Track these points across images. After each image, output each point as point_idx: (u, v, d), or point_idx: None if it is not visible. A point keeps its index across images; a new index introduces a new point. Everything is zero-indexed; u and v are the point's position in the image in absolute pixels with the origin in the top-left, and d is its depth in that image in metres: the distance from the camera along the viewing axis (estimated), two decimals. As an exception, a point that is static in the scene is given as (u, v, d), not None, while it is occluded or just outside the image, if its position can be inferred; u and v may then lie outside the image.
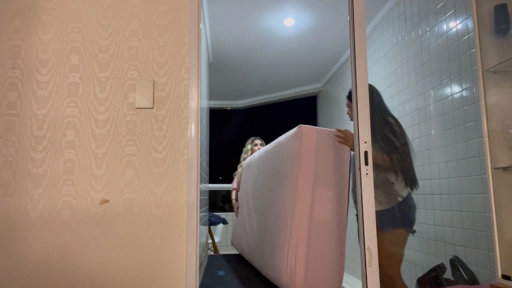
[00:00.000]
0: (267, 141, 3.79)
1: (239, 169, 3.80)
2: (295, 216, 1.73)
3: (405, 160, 2.03)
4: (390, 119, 2.07)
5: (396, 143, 1.99)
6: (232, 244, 3.33)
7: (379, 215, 1.90)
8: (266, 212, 2.18)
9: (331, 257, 1.76)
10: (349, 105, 2.27)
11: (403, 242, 1.97)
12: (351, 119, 2.27)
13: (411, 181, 2.01)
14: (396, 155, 1.99)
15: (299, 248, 1.71)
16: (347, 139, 1.90)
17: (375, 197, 1.85)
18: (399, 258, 1.96)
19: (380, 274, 1.61)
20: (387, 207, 1.95)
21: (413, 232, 1.98)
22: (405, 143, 2.03)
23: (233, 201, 3.73)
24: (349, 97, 2.28)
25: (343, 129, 2.08)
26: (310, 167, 1.79)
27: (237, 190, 3.76)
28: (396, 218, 1.95)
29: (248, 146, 3.84)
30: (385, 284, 1.83)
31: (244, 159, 3.77)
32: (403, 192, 1.97)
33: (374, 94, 2.20)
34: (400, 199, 1.96)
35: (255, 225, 2.40)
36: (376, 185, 1.90)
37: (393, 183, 1.97)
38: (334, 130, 1.97)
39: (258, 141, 3.79)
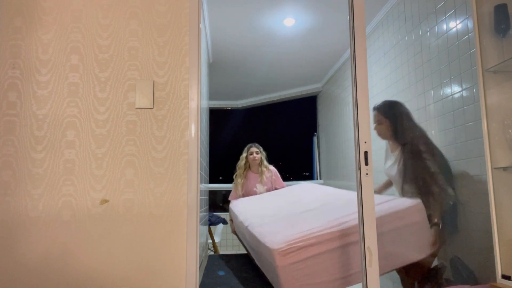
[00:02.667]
0: (267, 141, 3.78)
1: (237, 179, 3.74)
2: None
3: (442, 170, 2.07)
4: (422, 147, 2.07)
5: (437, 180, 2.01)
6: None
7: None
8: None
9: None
10: (382, 121, 2.21)
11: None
12: (382, 138, 2.25)
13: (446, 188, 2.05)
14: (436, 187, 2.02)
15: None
16: None
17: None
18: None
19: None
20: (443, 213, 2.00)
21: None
22: (438, 156, 2.04)
23: (230, 221, 3.66)
24: (379, 109, 2.23)
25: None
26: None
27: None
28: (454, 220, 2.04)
29: (244, 154, 3.76)
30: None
31: (240, 167, 3.72)
32: (450, 198, 2.05)
33: (402, 113, 2.20)
34: (451, 202, 2.03)
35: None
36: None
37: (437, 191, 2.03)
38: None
39: (254, 149, 3.72)
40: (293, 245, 1.77)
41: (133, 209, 1.56)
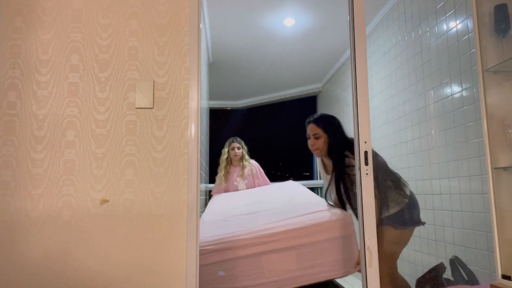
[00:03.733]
0: (267, 141, 3.77)
1: (219, 173, 3.72)
2: None
3: (389, 172, 2.05)
4: (348, 153, 2.00)
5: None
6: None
7: (393, 217, 1.94)
8: None
9: None
10: (320, 136, 2.10)
11: (408, 240, 2.02)
12: (316, 154, 2.16)
13: (401, 183, 2.03)
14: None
15: None
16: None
17: (383, 203, 1.88)
18: (398, 254, 1.99)
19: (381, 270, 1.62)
20: (397, 210, 1.96)
21: (424, 223, 2.03)
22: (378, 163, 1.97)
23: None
24: (318, 122, 2.12)
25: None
26: None
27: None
28: (407, 218, 1.98)
29: (225, 149, 3.73)
30: (385, 279, 1.85)
31: (222, 161, 3.72)
32: (406, 191, 2.00)
33: (338, 125, 2.17)
34: (407, 200, 1.98)
35: None
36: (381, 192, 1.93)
37: (391, 188, 1.99)
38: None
39: (235, 144, 3.69)
40: (203, 248, 1.80)
41: (133, 209, 1.56)
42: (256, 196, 3.09)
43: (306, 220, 1.99)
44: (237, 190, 3.61)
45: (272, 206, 2.48)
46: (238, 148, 3.69)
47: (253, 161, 3.71)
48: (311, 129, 2.13)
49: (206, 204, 3.81)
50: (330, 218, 2.00)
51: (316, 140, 2.11)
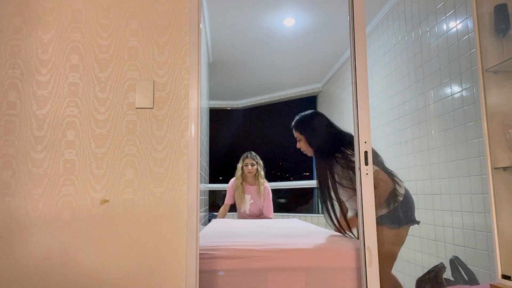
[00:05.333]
0: (267, 141, 3.76)
1: (233, 183, 3.61)
2: None
3: (385, 170, 2.04)
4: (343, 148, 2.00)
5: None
6: None
7: (387, 216, 1.93)
8: None
9: None
10: (300, 138, 2.16)
11: (404, 239, 2.00)
12: (308, 153, 2.19)
13: (395, 179, 2.02)
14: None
15: None
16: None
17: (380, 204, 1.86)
18: (395, 254, 1.99)
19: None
20: (392, 208, 1.96)
21: (418, 222, 2.00)
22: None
23: (220, 213, 3.58)
24: (299, 127, 2.16)
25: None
26: None
27: (229, 205, 3.62)
28: (401, 216, 1.97)
29: (239, 165, 3.60)
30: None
31: (237, 177, 3.56)
32: (401, 190, 1.99)
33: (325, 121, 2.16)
34: (401, 198, 1.98)
35: None
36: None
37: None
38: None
39: (249, 160, 3.53)
40: (204, 252, 1.72)
41: (133, 209, 1.56)
42: (261, 223, 3.02)
43: (320, 242, 1.87)
44: (244, 206, 3.48)
45: (280, 231, 2.38)
46: (252, 165, 3.51)
47: (266, 183, 3.55)
48: (294, 133, 2.20)
49: (206, 204, 3.81)
50: (345, 245, 1.83)
51: (299, 143, 2.18)
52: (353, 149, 1.80)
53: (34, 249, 1.50)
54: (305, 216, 4.79)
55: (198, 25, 1.67)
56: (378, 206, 1.90)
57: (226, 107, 6.28)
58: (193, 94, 1.63)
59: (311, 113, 2.24)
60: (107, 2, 1.66)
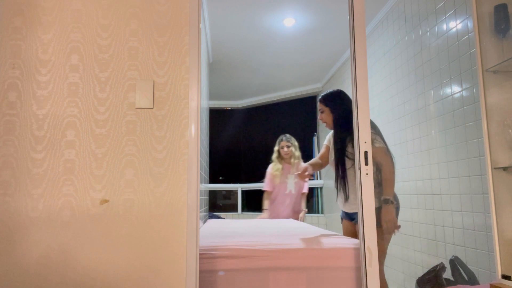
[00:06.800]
0: (267, 141, 3.76)
1: (271, 170, 3.71)
2: None
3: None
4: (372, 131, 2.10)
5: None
6: None
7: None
8: None
9: None
10: (324, 110, 2.34)
11: (389, 239, 2.04)
12: (327, 126, 2.36)
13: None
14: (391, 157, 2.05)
15: None
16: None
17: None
18: (384, 254, 2.00)
19: None
20: (377, 205, 1.96)
21: (399, 227, 2.04)
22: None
23: (265, 203, 3.66)
24: (325, 99, 2.35)
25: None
26: None
27: (270, 193, 3.69)
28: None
29: (276, 147, 3.73)
30: None
31: (273, 160, 3.72)
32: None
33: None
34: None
35: None
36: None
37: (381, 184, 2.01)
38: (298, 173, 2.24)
39: (284, 143, 3.66)
40: (205, 252, 1.73)
41: (133, 209, 1.56)
42: (258, 223, 3.05)
43: (323, 242, 1.87)
44: (286, 188, 3.60)
45: (279, 231, 2.38)
46: (288, 147, 3.64)
47: (302, 163, 3.66)
48: (319, 105, 2.39)
49: (206, 204, 3.81)
50: (345, 245, 1.83)
51: (321, 114, 2.36)
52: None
53: (34, 249, 1.50)
54: (305, 216, 4.79)
55: (198, 25, 1.67)
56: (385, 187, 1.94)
57: (226, 107, 6.28)
58: (193, 94, 1.63)
59: (337, 90, 2.40)
60: (107, 2, 1.66)
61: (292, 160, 3.65)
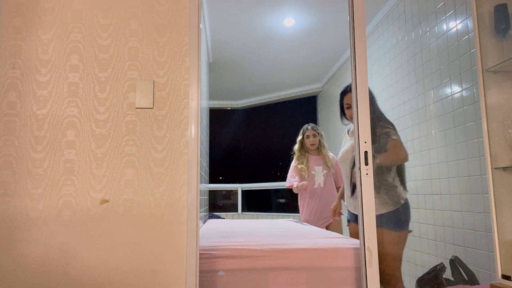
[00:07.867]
0: (267, 141, 3.73)
1: (294, 163, 3.29)
2: None
3: (404, 169, 2.07)
4: (390, 127, 2.06)
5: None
6: None
7: (387, 216, 1.94)
8: None
9: None
10: (350, 106, 2.24)
11: (405, 242, 2.00)
12: (351, 121, 2.28)
13: (404, 185, 2.05)
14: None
15: None
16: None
17: (382, 200, 1.87)
18: (400, 258, 1.99)
19: (382, 273, 1.61)
20: (392, 209, 1.96)
21: (411, 231, 2.03)
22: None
23: (296, 187, 3.19)
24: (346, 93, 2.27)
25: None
26: None
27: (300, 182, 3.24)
28: (401, 220, 1.98)
29: (299, 137, 3.30)
30: (386, 283, 1.84)
31: (297, 151, 3.27)
32: (404, 194, 2.00)
33: (374, 99, 2.23)
34: (403, 201, 1.98)
35: None
36: (380, 188, 1.93)
37: (396, 186, 1.99)
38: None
39: (310, 132, 3.23)
40: (205, 252, 1.73)
41: (133, 209, 1.56)
42: (257, 223, 2.98)
43: (323, 242, 1.87)
44: (314, 181, 3.15)
45: (279, 232, 2.37)
46: (314, 136, 3.23)
47: (331, 154, 3.29)
48: (348, 98, 2.24)
49: (206, 204, 3.80)
50: (345, 245, 1.83)
51: (350, 110, 2.21)
52: (384, 123, 1.98)
53: (34, 248, 1.50)
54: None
55: (198, 25, 1.67)
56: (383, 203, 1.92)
57: (226, 107, 6.28)
58: (193, 94, 1.63)
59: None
60: (107, 2, 1.66)
61: (323, 151, 3.22)
